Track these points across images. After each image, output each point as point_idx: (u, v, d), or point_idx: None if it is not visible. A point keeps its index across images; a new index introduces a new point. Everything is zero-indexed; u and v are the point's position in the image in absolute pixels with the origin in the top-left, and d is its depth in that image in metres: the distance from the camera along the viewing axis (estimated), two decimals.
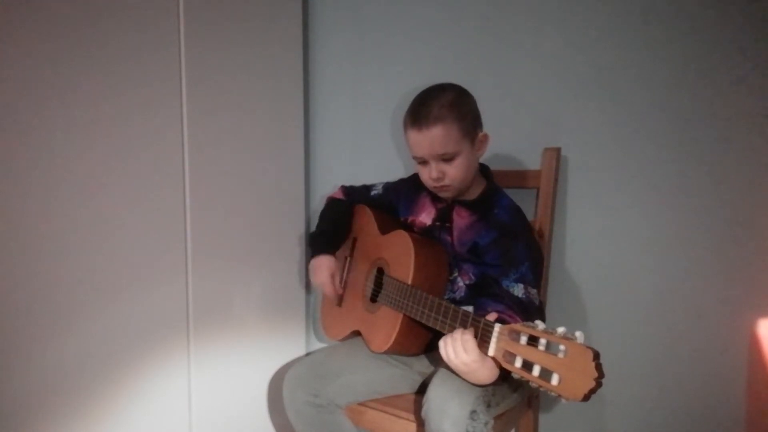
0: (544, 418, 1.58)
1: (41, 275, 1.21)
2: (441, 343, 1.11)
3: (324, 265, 1.53)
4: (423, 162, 1.32)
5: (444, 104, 1.26)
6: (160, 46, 1.41)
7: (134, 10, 1.34)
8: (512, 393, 1.28)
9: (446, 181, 1.30)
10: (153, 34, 1.39)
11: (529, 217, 1.42)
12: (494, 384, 1.11)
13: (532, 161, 1.53)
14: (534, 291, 1.22)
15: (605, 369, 0.83)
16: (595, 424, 1.53)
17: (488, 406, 1.16)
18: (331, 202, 1.66)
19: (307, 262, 1.88)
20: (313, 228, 1.65)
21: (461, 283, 1.36)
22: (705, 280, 1.37)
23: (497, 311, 1.16)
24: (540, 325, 0.90)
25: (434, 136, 1.26)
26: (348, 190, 1.67)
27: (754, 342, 1.32)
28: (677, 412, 1.42)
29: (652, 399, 1.45)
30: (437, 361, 1.28)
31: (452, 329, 1.13)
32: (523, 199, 1.41)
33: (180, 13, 1.45)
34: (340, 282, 1.57)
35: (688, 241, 1.38)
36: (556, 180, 1.47)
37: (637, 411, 1.47)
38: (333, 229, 1.61)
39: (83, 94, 1.26)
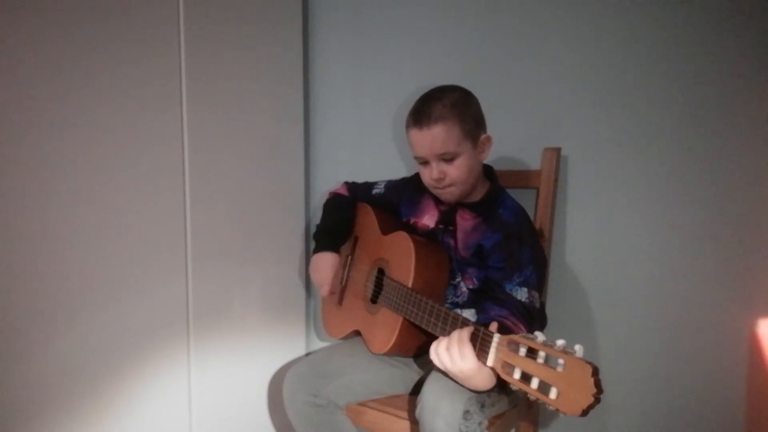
0: (544, 420, 1.59)
1: (41, 275, 1.21)
2: (433, 348, 1.08)
3: (326, 263, 1.52)
4: (424, 162, 1.32)
5: (446, 104, 1.25)
6: (160, 46, 1.41)
7: (134, 10, 1.34)
8: (509, 394, 1.28)
9: (447, 182, 1.29)
10: (153, 34, 1.39)
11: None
12: (490, 391, 1.11)
13: (532, 161, 1.52)
14: (537, 294, 1.22)
15: (606, 371, 0.82)
16: (594, 424, 1.54)
17: (482, 406, 1.16)
18: (335, 198, 1.65)
19: (308, 262, 1.88)
20: (313, 228, 1.64)
21: (464, 288, 1.35)
22: (705, 280, 1.37)
23: (501, 316, 1.15)
24: (540, 336, 0.89)
25: (435, 136, 1.25)
26: (350, 187, 1.66)
27: (754, 342, 1.32)
28: (677, 412, 1.42)
29: (652, 398, 1.45)
30: None
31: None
32: (523, 199, 1.40)
33: (180, 14, 1.44)
34: (341, 282, 1.57)
35: (688, 240, 1.38)
36: (556, 180, 1.46)
37: (638, 411, 1.47)
38: (337, 225, 1.59)
39: (83, 94, 1.25)
